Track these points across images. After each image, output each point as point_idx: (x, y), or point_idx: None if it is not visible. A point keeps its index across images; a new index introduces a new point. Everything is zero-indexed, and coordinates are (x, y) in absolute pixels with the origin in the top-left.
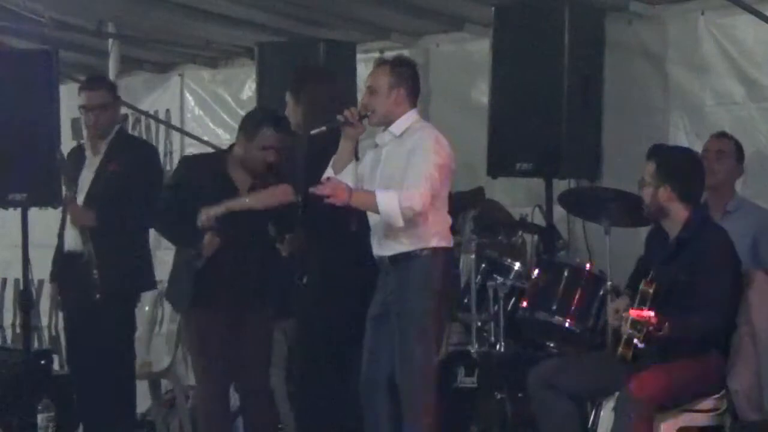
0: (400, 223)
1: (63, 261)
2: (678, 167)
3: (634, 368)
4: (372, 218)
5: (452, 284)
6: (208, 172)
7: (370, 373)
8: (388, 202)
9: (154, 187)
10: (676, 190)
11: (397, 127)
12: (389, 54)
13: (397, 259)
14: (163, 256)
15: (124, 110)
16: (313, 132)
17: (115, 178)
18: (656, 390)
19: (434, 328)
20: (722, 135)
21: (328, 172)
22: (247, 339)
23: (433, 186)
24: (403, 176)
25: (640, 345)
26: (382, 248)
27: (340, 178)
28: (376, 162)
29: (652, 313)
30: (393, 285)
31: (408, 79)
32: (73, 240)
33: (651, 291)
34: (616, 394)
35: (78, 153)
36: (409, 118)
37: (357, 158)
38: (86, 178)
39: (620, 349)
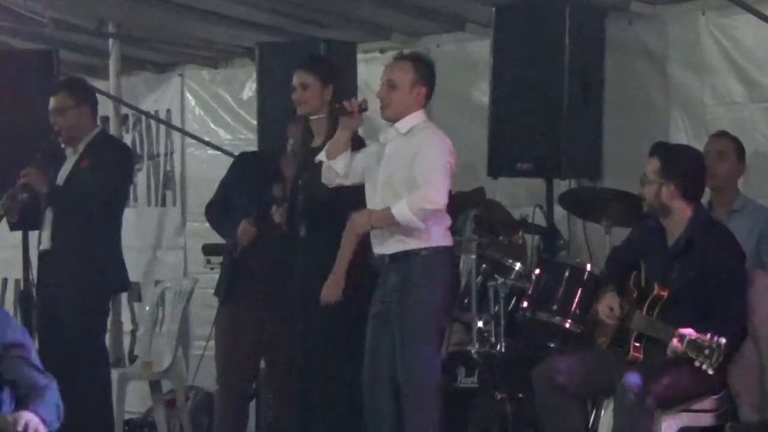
0: (420, 225)
1: (38, 259)
2: (682, 165)
3: (637, 365)
4: None
5: (452, 283)
6: (261, 166)
7: (372, 372)
8: (402, 212)
9: (119, 184)
10: (679, 188)
11: (403, 124)
12: (389, 54)
13: (397, 258)
14: (164, 256)
15: (124, 110)
16: (312, 117)
17: (84, 174)
18: (658, 386)
19: (435, 327)
20: (722, 134)
21: (321, 157)
22: (273, 337)
23: (444, 178)
24: (405, 175)
25: (711, 372)
26: (383, 246)
27: (333, 165)
28: (378, 158)
29: (708, 336)
30: (393, 283)
31: (430, 79)
32: (46, 239)
33: (665, 296)
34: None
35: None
36: (416, 118)
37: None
38: (62, 175)
39: (631, 354)
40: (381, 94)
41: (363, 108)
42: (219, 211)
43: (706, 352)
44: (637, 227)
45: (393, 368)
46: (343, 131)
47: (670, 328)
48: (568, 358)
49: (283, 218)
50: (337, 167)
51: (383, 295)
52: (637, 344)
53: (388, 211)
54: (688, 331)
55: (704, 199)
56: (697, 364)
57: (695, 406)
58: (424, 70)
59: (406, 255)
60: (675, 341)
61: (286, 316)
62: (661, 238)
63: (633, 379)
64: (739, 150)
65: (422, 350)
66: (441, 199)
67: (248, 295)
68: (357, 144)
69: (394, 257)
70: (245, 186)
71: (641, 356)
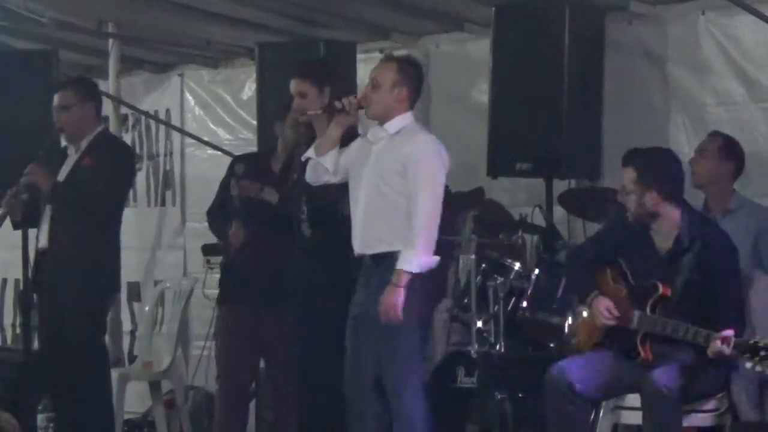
0: (434, 259)
1: (35, 258)
2: (659, 170)
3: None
4: (355, 216)
5: (436, 284)
6: (254, 167)
7: (354, 376)
8: (416, 260)
9: (120, 185)
10: (661, 193)
11: (392, 125)
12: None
13: (379, 258)
14: (163, 256)
15: (123, 110)
16: (310, 112)
17: (85, 172)
18: (684, 383)
19: (419, 328)
20: (711, 134)
21: (309, 154)
22: (277, 336)
23: (437, 198)
24: (393, 177)
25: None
26: (365, 247)
27: (323, 162)
28: (364, 158)
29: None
30: (376, 285)
31: (413, 80)
32: (44, 236)
33: (669, 295)
34: (625, 395)
35: (63, 153)
36: (405, 119)
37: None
38: (63, 173)
39: (642, 355)
40: (364, 93)
41: (361, 106)
42: (217, 216)
43: (762, 353)
44: (614, 226)
45: (376, 370)
46: (335, 127)
47: (702, 330)
48: (580, 363)
49: (241, 236)
50: (326, 164)
51: (365, 296)
52: (644, 344)
53: (403, 274)
54: (729, 332)
55: (699, 200)
56: (749, 365)
57: (695, 407)
58: (408, 71)
59: (388, 256)
60: (719, 343)
61: (286, 316)
62: (646, 238)
63: (663, 375)
64: (725, 148)
65: (406, 351)
66: (436, 222)
67: (244, 295)
68: (351, 139)
69: (376, 258)
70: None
71: (652, 356)
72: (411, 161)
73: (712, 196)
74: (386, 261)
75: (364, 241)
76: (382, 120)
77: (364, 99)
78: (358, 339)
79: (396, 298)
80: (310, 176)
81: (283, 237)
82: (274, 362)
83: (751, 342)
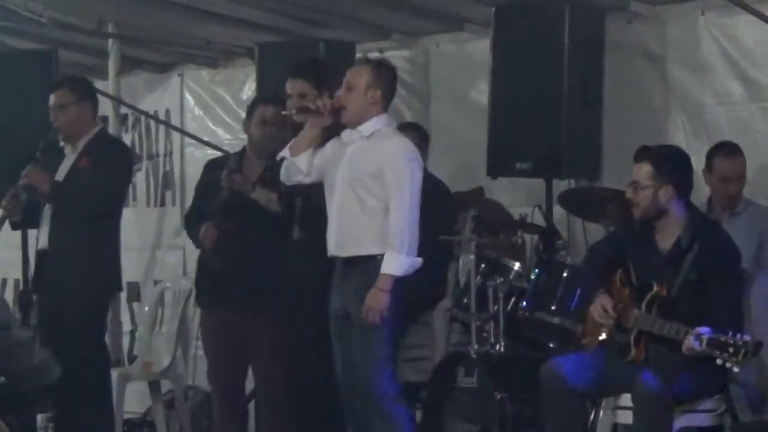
0: (418, 260)
1: (35, 259)
2: (677, 166)
3: (644, 364)
4: (330, 216)
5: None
6: (225, 168)
7: (344, 375)
8: (398, 263)
9: (118, 185)
10: (678, 188)
11: (366, 128)
12: (389, 54)
13: (353, 262)
14: (163, 256)
15: (123, 110)
16: (283, 113)
17: (83, 173)
18: (675, 384)
19: (394, 333)
20: (733, 152)
21: (284, 153)
22: (258, 335)
23: (412, 194)
24: (367, 179)
25: (736, 369)
26: (339, 249)
27: (297, 162)
28: (338, 159)
29: (729, 334)
30: (352, 288)
31: (386, 82)
32: (44, 237)
33: (665, 294)
34: (622, 395)
35: (62, 153)
36: (379, 122)
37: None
38: (60, 174)
39: (633, 353)
40: (339, 96)
41: (336, 108)
42: (194, 221)
43: (731, 350)
44: (620, 228)
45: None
46: (310, 130)
47: (682, 326)
48: (575, 359)
49: (212, 235)
50: (300, 165)
51: (342, 300)
52: (638, 342)
53: (388, 277)
54: (705, 330)
55: (702, 199)
56: (719, 362)
57: (695, 406)
58: (382, 74)
59: (362, 260)
60: (692, 340)
61: (268, 316)
62: (650, 239)
63: (652, 376)
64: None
65: (382, 356)
66: (416, 224)
67: (221, 296)
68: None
69: (349, 261)
70: (214, 192)
71: (643, 354)
72: (386, 165)
73: (723, 200)
74: (358, 264)
75: (337, 243)
76: (356, 122)
77: (339, 101)
78: (341, 339)
79: (381, 303)
80: (284, 176)
81: (259, 235)
82: (258, 363)
83: (722, 339)
